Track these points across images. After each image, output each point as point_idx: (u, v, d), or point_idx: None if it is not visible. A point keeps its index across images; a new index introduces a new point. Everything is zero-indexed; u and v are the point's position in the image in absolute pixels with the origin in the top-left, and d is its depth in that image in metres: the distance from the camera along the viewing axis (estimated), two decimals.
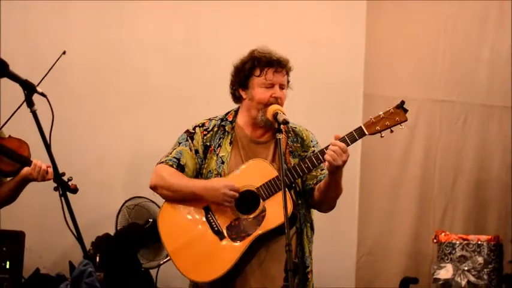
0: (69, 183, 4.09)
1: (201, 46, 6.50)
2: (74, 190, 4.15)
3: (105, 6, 6.28)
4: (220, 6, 6.53)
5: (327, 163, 3.65)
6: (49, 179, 4.04)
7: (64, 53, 4.76)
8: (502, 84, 7.62)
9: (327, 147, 3.69)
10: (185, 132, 3.96)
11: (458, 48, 7.55)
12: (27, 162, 4.04)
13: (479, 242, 6.61)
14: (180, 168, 3.85)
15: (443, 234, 6.73)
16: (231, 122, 3.95)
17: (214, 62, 6.38)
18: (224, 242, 3.75)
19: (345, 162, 3.63)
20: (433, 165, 7.49)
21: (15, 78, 3.06)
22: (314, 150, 3.86)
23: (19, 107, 3.68)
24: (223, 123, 3.96)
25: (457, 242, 6.63)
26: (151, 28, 6.42)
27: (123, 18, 6.37)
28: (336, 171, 3.66)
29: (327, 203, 3.85)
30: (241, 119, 3.95)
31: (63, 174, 3.93)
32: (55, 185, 3.67)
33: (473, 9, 7.58)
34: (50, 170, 4.01)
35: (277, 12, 6.68)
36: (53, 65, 4.63)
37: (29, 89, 3.05)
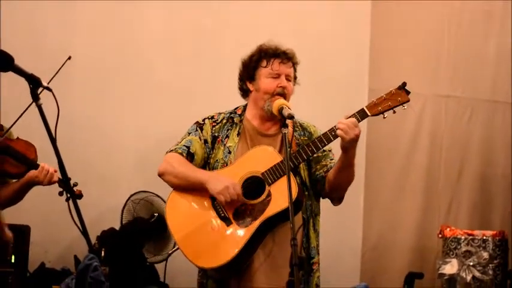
0: (74, 188, 4.09)
1: (206, 42, 6.50)
2: (79, 196, 4.14)
3: (110, 3, 6.27)
4: (225, 2, 6.53)
5: (340, 140, 3.64)
6: (55, 182, 4.04)
7: (69, 58, 4.76)
8: (507, 79, 7.62)
9: (330, 130, 3.70)
10: (195, 123, 4.02)
11: (463, 44, 7.54)
12: (34, 165, 4.04)
13: (484, 237, 6.61)
14: (190, 156, 3.89)
15: (448, 229, 6.73)
16: (240, 115, 4.00)
17: (218, 57, 6.38)
18: (231, 228, 3.77)
19: (357, 136, 3.63)
20: (438, 161, 7.49)
21: (20, 72, 3.06)
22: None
23: (28, 107, 3.67)
24: (232, 115, 4.00)
25: (462, 237, 6.63)
26: (156, 24, 6.43)
27: (128, 15, 6.37)
28: (348, 147, 3.66)
29: (340, 189, 3.86)
30: (250, 113, 3.99)
31: (69, 178, 3.93)
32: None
33: (478, 4, 7.56)
34: (56, 173, 4.01)
35: (281, 7, 6.68)
36: (59, 69, 4.63)
37: (34, 83, 3.05)
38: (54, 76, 4.41)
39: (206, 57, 6.49)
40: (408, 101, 3.72)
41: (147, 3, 6.36)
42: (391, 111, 3.72)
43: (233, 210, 3.77)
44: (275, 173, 3.75)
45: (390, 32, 7.32)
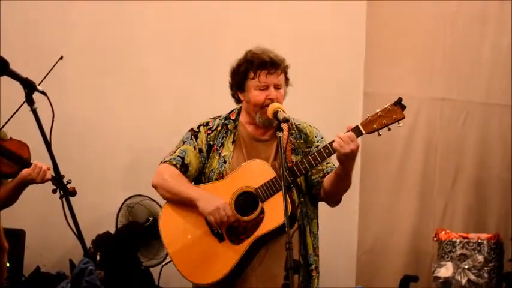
0: (68, 186, 4.09)
1: (202, 44, 6.50)
2: (72, 193, 4.15)
3: (106, 3, 6.27)
4: (221, 4, 6.52)
5: (336, 153, 3.62)
6: (48, 180, 4.04)
7: (61, 58, 4.76)
8: (502, 82, 7.62)
9: (324, 147, 3.68)
10: (189, 130, 3.97)
11: (458, 47, 7.55)
12: (27, 163, 4.04)
13: (479, 241, 6.62)
14: (185, 167, 3.86)
15: (443, 232, 6.73)
16: (234, 121, 3.96)
17: (215, 60, 6.37)
18: (224, 244, 3.75)
19: (353, 151, 3.58)
20: (434, 164, 7.49)
21: (15, 76, 3.06)
22: (318, 146, 3.85)
23: (20, 107, 3.68)
24: (226, 121, 3.96)
25: (458, 240, 6.64)
26: (152, 26, 6.42)
27: (124, 16, 6.36)
28: (345, 160, 3.62)
29: (336, 195, 3.83)
30: (244, 118, 3.96)
31: (63, 176, 3.93)
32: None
33: (473, 7, 7.57)
34: (49, 171, 4.01)
35: (277, 9, 6.67)
36: (51, 69, 4.63)
37: (29, 87, 3.05)
38: (46, 76, 4.42)
39: (203, 58, 6.48)
40: (403, 118, 3.65)
41: (144, 4, 6.35)
42: (386, 128, 3.68)
43: (226, 227, 3.76)
44: (268, 189, 3.72)
45: (385, 35, 7.32)
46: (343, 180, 3.73)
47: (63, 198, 3.22)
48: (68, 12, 6.20)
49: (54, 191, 4.01)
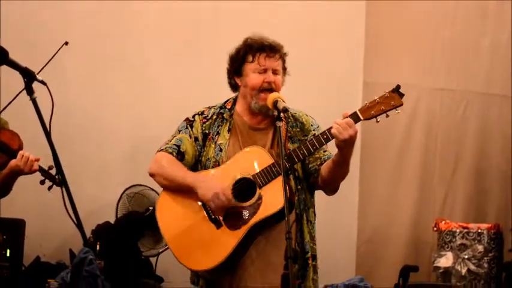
0: (56, 176, 4.07)
1: (201, 36, 6.50)
2: (60, 184, 4.13)
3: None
4: (220, 2, 6.53)
5: (334, 139, 3.62)
6: (35, 170, 4.02)
7: (66, 43, 4.74)
8: (502, 73, 7.62)
9: (322, 133, 3.68)
10: (185, 120, 3.97)
11: (458, 37, 7.55)
12: (12, 153, 4.03)
13: (479, 231, 6.63)
14: (180, 155, 3.85)
15: (443, 222, 6.74)
16: (230, 110, 3.95)
17: (214, 52, 6.33)
18: (221, 231, 3.75)
19: (352, 137, 3.57)
20: (433, 154, 7.49)
21: (15, 65, 3.05)
22: (315, 134, 3.84)
23: (18, 94, 3.68)
24: (221, 110, 3.96)
25: (457, 231, 6.65)
26: (152, 17, 6.42)
27: (124, 8, 6.35)
28: (343, 147, 3.61)
29: (334, 183, 3.83)
30: (240, 107, 3.94)
31: (51, 167, 3.93)
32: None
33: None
34: (37, 162, 3.99)
35: (276, 3, 6.66)
36: (54, 54, 4.63)
37: (28, 76, 3.04)
38: (49, 61, 4.41)
39: (203, 50, 6.48)
40: (401, 104, 3.65)
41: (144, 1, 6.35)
42: (384, 115, 3.67)
43: (224, 213, 3.76)
44: (266, 175, 3.72)
45: (385, 25, 7.32)
46: (341, 167, 3.73)
47: (63, 188, 3.21)
48: (70, 2, 6.19)
49: (42, 182, 4.01)
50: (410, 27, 7.40)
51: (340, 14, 6.89)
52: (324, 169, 3.78)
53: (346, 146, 3.60)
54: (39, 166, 4.00)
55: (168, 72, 6.40)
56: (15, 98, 4.00)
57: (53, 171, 3.96)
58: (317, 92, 6.65)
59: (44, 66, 4.45)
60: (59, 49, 4.67)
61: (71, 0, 6.20)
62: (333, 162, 3.72)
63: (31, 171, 4.02)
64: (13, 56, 3.06)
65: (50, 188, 3.99)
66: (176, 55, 6.41)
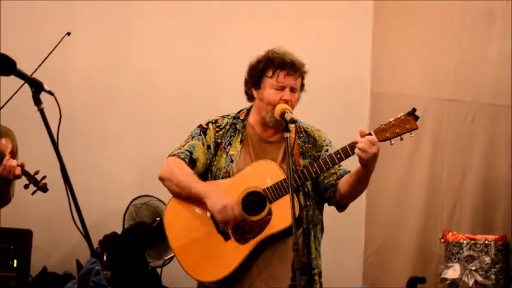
0: (42, 181, 4.05)
1: (207, 45, 6.49)
2: (43, 189, 4.10)
3: (110, 3, 6.26)
4: (226, 5, 6.51)
5: (358, 157, 3.60)
6: (19, 175, 4.01)
7: (68, 34, 4.72)
8: (510, 83, 7.60)
9: (336, 152, 3.67)
10: (198, 126, 3.96)
11: (465, 47, 7.53)
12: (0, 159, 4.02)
13: (486, 242, 6.60)
14: (192, 162, 3.85)
15: (450, 233, 6.72)
16: (243, 121, 3.95)
17: (219, 61, 6.37)
18: (229, 243, 3.74)
19: (375, 154, 3.59)
20: (441, 165, 7.47)
21: (22, 76, 3.06)
22: (327, 149, 3.84)
23: (14, 95, 3.67)
24: (234, 121, 3.95)
25: (465, 242, 6.62)
26: (157, 26, 6.41)
27: (129, 17, 6.35)
28: (368, 164, 3.62)
29: (353, 197, 3.85)
30: (253, 118, 3.94)
31: (37, 172, 3.93)
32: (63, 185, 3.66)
33: (480, 8, 7.55)
34: (19, 167, 3.98)
35: (283, 9, 6.66)
36: (57, 45, 4.61)
37: (36, 87, 3.05)
38: (51, 52, 4.39)
39: (208, 61, 6.47)
40: (416, 128, 3.65)
41: (149, 5, 6.33)
42: (399, 138, 3.67)
43: (232, 225, 3.74)
44: (277, 190, 3.71)
45: (392, 35, 7.31)
46: (363, 183, 3.76)
47: (69, 196, 3.21)
48: (72, 6, 6.17)
49: (26, 186, 4.01)
50: (417, 37, 7.39)
51: (346, 23, 6.88)
52: (343, 185, 3.77)
53: (370, 163, 3.61)
54: (23, 170, 3.99)
55: (174, 83, 6.40)
56: (11, 96, 4.00)
57: (39, 176, 3.97)
58: (324, 103, 6.63)
59: (47, 57, 4.43)
60: (61, 40, 4.65)
61: (74, 5, 6.17)
62: (356, 178, 3.71)
63: (15, 177, 4.01)
64: (13, 55, 3.07)
65: (33, 192, 4.00)
66: (183, 66, 6.41)
